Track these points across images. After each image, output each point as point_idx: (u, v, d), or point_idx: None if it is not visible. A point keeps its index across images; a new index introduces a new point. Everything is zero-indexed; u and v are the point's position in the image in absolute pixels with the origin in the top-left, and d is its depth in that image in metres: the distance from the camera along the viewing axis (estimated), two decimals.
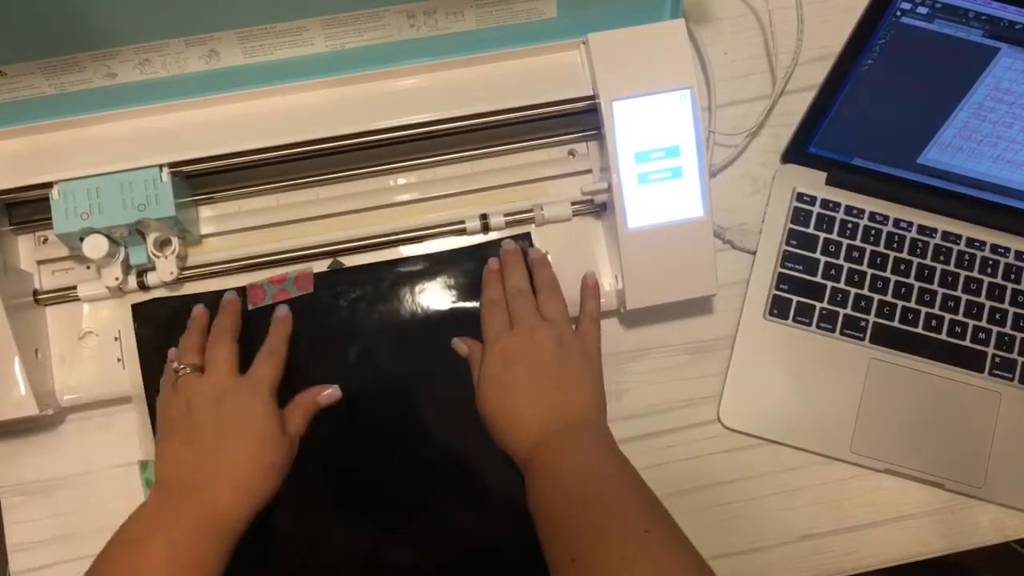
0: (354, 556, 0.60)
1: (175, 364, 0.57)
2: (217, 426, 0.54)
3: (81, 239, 0.57)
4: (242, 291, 0.62)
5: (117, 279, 0.60)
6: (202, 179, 0.61)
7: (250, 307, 0.61)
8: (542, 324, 0.57)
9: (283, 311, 0.60)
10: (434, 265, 0.62)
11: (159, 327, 0.61)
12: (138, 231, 0.59)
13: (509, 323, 0.58)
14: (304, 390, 0.59)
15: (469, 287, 0.62)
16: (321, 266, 0.63)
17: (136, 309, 0.61)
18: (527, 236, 0.63)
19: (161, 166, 0.57)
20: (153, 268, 0.60)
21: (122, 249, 0.60)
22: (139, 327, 0.61)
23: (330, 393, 0.59)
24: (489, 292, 0.61)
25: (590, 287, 0.62)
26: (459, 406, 0.60)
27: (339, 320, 0.61)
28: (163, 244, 0.60)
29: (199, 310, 0.60)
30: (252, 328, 0.60)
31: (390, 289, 0.62)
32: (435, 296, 0.62)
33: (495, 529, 0.60)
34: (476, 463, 0.61)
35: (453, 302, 0.62)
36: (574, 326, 0.60)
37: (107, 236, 0.58)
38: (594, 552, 0.46)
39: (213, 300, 0.61)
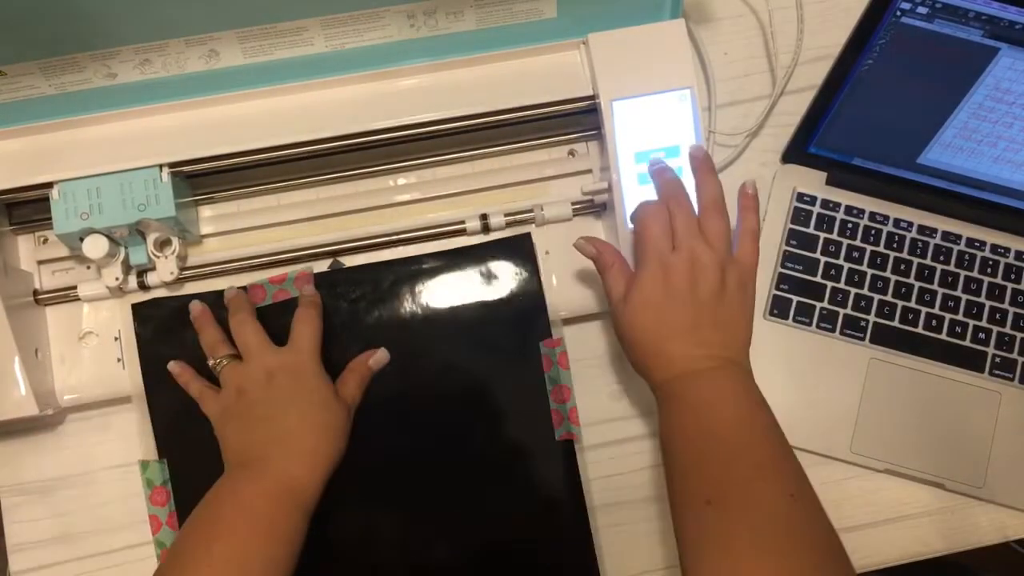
0: (351, 553, 0.60)
1: (210, 362, 0.57)
2: (273, 400, 0.54)
3: (81, 239, 0.57)
4: (243, 291, 0.61)
5: (117, 279, 0.60)
6: (202, 179, 0.61)
7: None
8: (705, 249, 0.53)
9: (310, 289, 0.60)
10: (434, 264, 0.62)
11: (159, 327, 0.61)
12: (138, 231, 0.59)
13: (671, 236, 0.53)
14: (355, 358, 0.59)
15: (469, 285, 0.62)
16: (321, 266, 0.63)
17: (136, 309, 0.61)
18: (527, 236, 0.63)
19: (161, 166, 0.57)
20: (153, 268, 0.60)
21: (122, 249, 0.60)
22: (139, 327, 0.61)
23: (379, 356, 0.60)
24: (648, 201, 0.56)
25: (749, 197, 0.56)
26: (461, 404, 0.61)
27: (340, 320, 0.61)
28: (163, 244, 0.60)
29: (198, 308, 0.60)
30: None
31: (390, 288, 0.62)
32: (436, 294, 0.62)
33: (503, 526, 0.60)
34: (480, 460, 0.61)
35: (454, 300, 0.62)
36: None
37: (107, 236, 0.58)
38: (737, 503, 0.45)
39: (213, 300, 0.61)
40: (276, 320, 0.60)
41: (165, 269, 0.60)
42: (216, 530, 0.50)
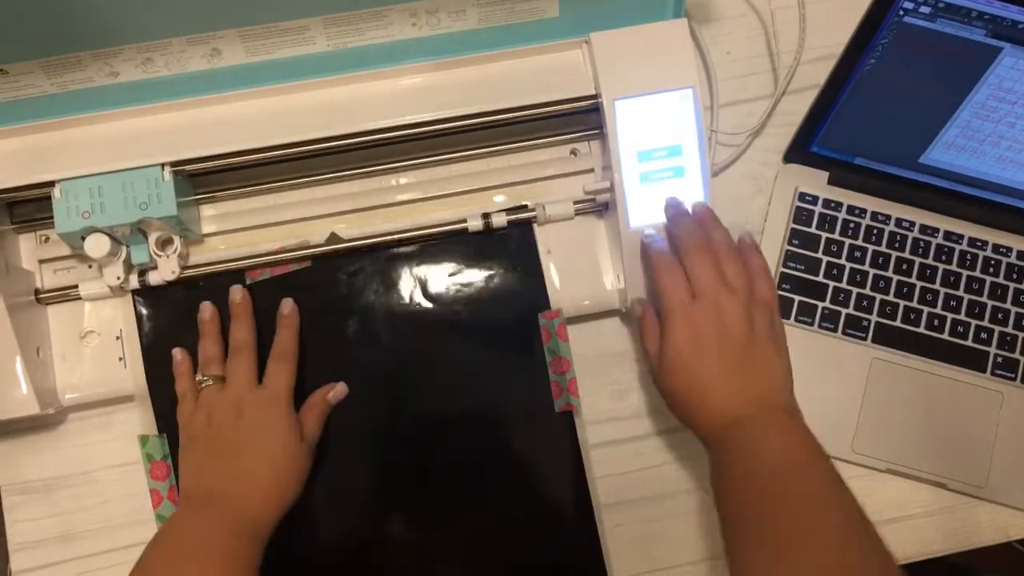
0: (352, 530, 0.60)
1: (198, 376, 0.58)
2: (239, 438, 0.55)
3: (83, 238, 0.57)
4: (241, 270, 0.62)
5: (119, 278, 0.60)
6: (204, 178, 0.61)
7: (248, 282, 0.62)
8: (727, 295, 0.53)
9: (288, 306, 0.60)
10: (433, 244, 0.63)
11: (163, 304, 0.61)
12: (140, 230, 0.59)
13: (689, 288, 0.54)
14: (313, 392, 0.60)
15: (467, 262, 0.62)
16: (319, 239, 0.63)
17: (137, 296, 0.61)
18: (529, 223, 0.63)
19: (163, 165, 0.57)
20: (155, 267, 0.60)
21: (124, 248, 0.60)
22: (142, 303, 0.61)
23: (338, 391, 0.60)
24: (661, 255, 0.56)
25: (750, 245, 0.57)
26: (461, 377, 0.61)
27: (337, 292, 0.62)
28: (165, 243, 0.60)
29: (208, 313, 0.60)
30: (252, 303, 0.61)
31: (388, 262, 0.62)
32: (434, 271, 0.63)
33: (505, 496, 0.61)
34: (479, 433, 0.61)
35: (452, 276, 0.62)
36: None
37: (109, 235, 0.57)
38: (791, 544, 0.45)
39: (215, 286, 0.61)
40: (273, 296, 0.60)
41: (167, 268, 0.60)
42: (178, 562, 0.50)
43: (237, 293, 0.60)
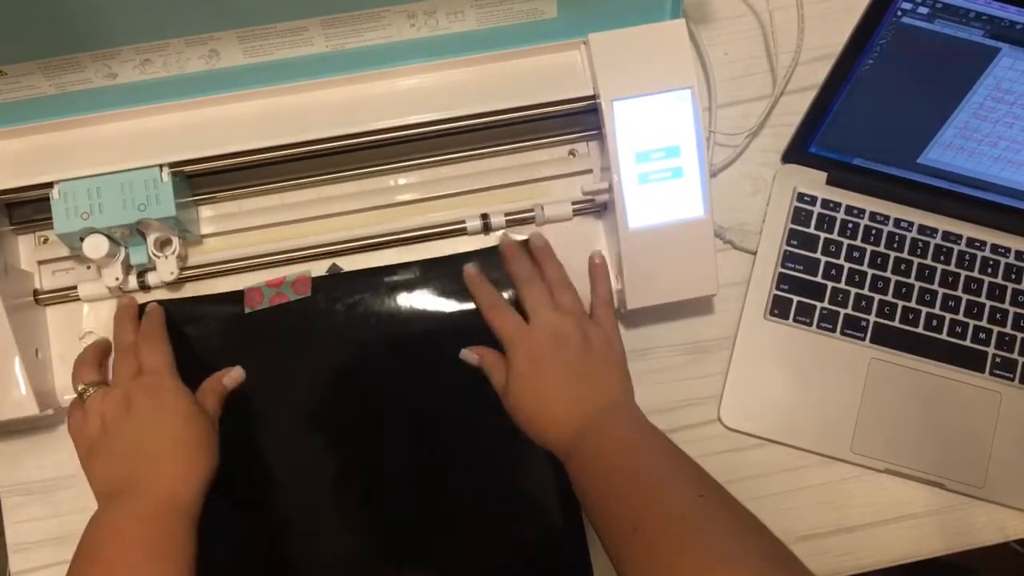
0: (344, 553, 0.60)
1: (78, 387, 0.56)
2: (134, 428, 0.54)
3: (81, 239, 0.57)
4: (239, 295, 0.61)
5: (117, 279, 0.60)
6: (202, 179, 0.61)
7: (247, 311, 0.61)
8: (560, 316, 0.56)
9: (125, 299, 0.60)
10: (433, 270, 0.62)
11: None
12: (139, 231, 0.59)
13: (521, 319, 0.57)
14: (208, 378, 0.59)
15: (463, 287, 0.62)
16: (320, 269, 0.63)
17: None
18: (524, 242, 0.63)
19: (161, 166, 0.57)
20: (153, 268, 0.60)
21: (122, 249, 0.60)
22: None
23: (234, 375, 0.59)
24: (487, 296, 0.60)
25: (598, 266, 0.61)
26: (458, 405, 0.61)
27: (336, 324, 0.61)
28: (164, 244, 0.60)
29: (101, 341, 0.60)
30: (251, 332, 0.61)
31: (388, 293, 0.62)
32: (433, 300, 0.62)
33: (498, 516, 0.61)
34: (472, 453, 0.61)
35: (451, 306, 0.62)
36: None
37: (107, 236, 0.57)
38: (656, 522, 0.46)
39: (216, 304, 0.61)
40: (273, 324, 0.60)
41: (165, 269, 0.60)
42: (101, 564, 0.49)
43: (123, 299, 0.60)
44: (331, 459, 0.61)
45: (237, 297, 0.61)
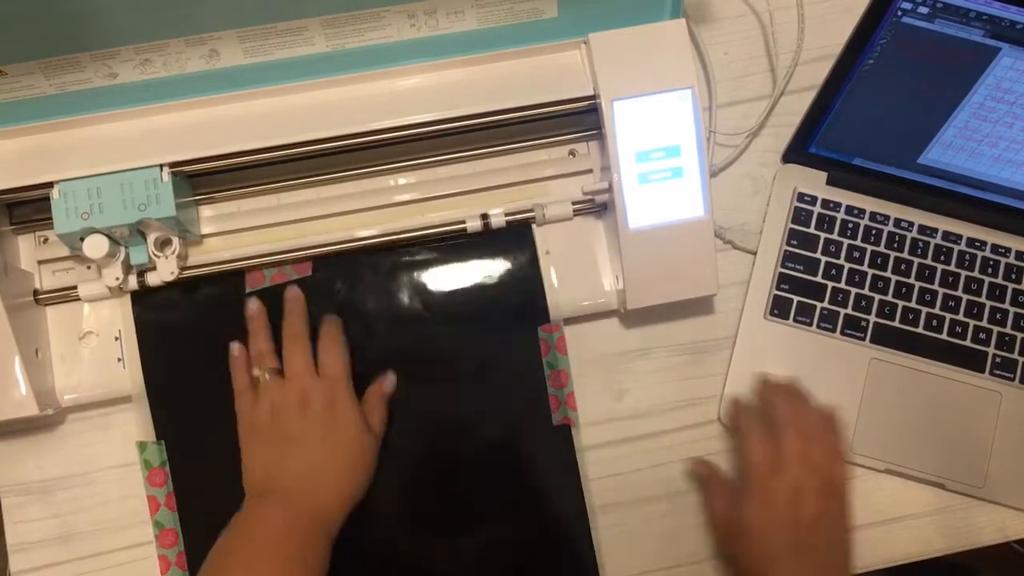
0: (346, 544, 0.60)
1: (255, 370, 0.57)
2: (304, 432, 0.54)
3: (82, 239, 0.57)
4: (241, 276, 0.62)
5: (118, 279, 0.59)
6: (202, 179, 0.61)
7: (248, 290, 0.62)
8: (808, 475, 0.55)
9: (293, 291, 0.60)
10: (433, 253, 0.63)
11: (160, 305, 0.61)
12: (139, 231, 0.59)
13: (774, 460, 0.55)
14: (369, 387, 0.59)
15: (466, 274, 0.62)
16: None
17: (135, 298, 0.61)
18: (526, 225, 0.63)
19: (162, 166, 0.57)
20: (154, 268, 0.60)
21: (123, 249, 0.60)
22: (139, 308, 0.61)
23: (391, 380, 0.60)
24: (751, 423, 0.58)
25: (831, 420, 0.58)
26: (459, 390, 0.61)
27: (337, 303, 0.62)
28: (164, 244, 0.60)
29: (255, 307, 0.59)
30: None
31: (389, 273, 0.62)
32: (433, 282, 0.62)
33: (500, 510, 0.61)
34: (477, 446, 0.61)
35: (451, 287, 0.62)
36: None
37: (108, 236, 0.57)
38: None
39: (217, 284, 0.61)
40: (273, 303, 0.60)
41: (166, 269, 0.60)
42: (247, 561, 0.49)
43: (293, 291, 0.60)
44: None
45: (239, 278, 0.62)
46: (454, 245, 0.63)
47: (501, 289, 0.62)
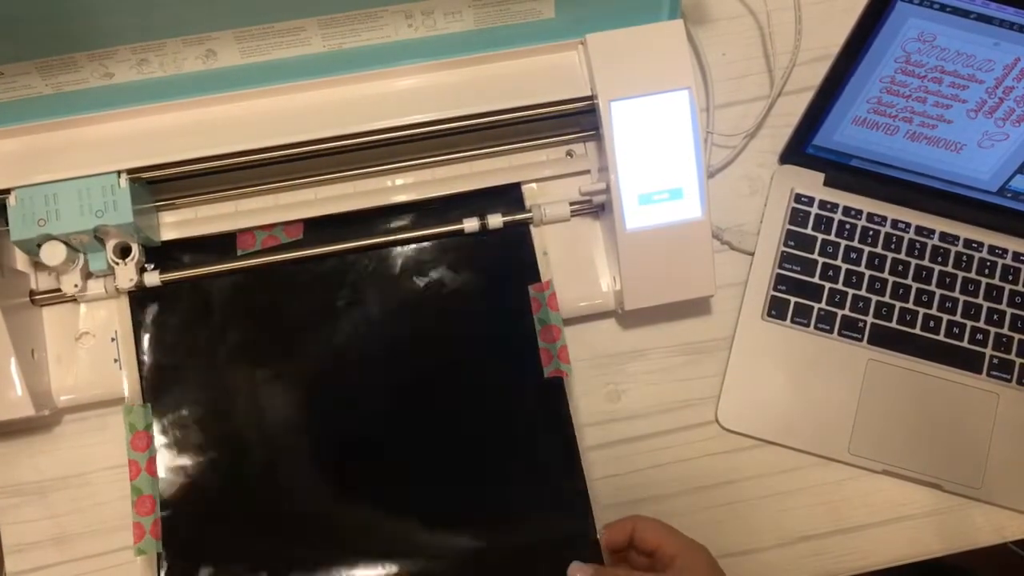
0: (341, 508, 0.60)
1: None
2: None
3: (39, 245, 0.57)
4: (232, 237, 0.62)
5: (76, 286, 0.59)
6: (165, 184, 0.60)
7: (239, 252, 0.62)
8: None
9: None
10: (429, 217, 0.63)
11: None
12: (97, 238, 0.58)
13: None
14: None
15: (458, 238, 0.63)
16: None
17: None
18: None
19: (119, 172, 0.57)
20: (113, 275, 0.60)
21: (81, 256, 0.59)
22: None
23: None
24: None
25: None
26: (450, 350, 0.62)
27: (329, 265, 0.62)
28: (124, 251, 0.59)
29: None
30: (242, 276, 0.61)
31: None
32: (425, 248, 0.63)
33: (493, 462, 0.61)
34: (468, 402, 0.62)
35: (442, 250, 0.63)
36: None
37: (65, 243, 0.57)
38: None
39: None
40: (265, 267, 0.61)
41: (124, 276, 0.59)
42: None
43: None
44: (325, 406, 0.61)
45: (229, 240, 0.62)
46: (447, 209, 0.63)
47: (491, 251, 0.63)
